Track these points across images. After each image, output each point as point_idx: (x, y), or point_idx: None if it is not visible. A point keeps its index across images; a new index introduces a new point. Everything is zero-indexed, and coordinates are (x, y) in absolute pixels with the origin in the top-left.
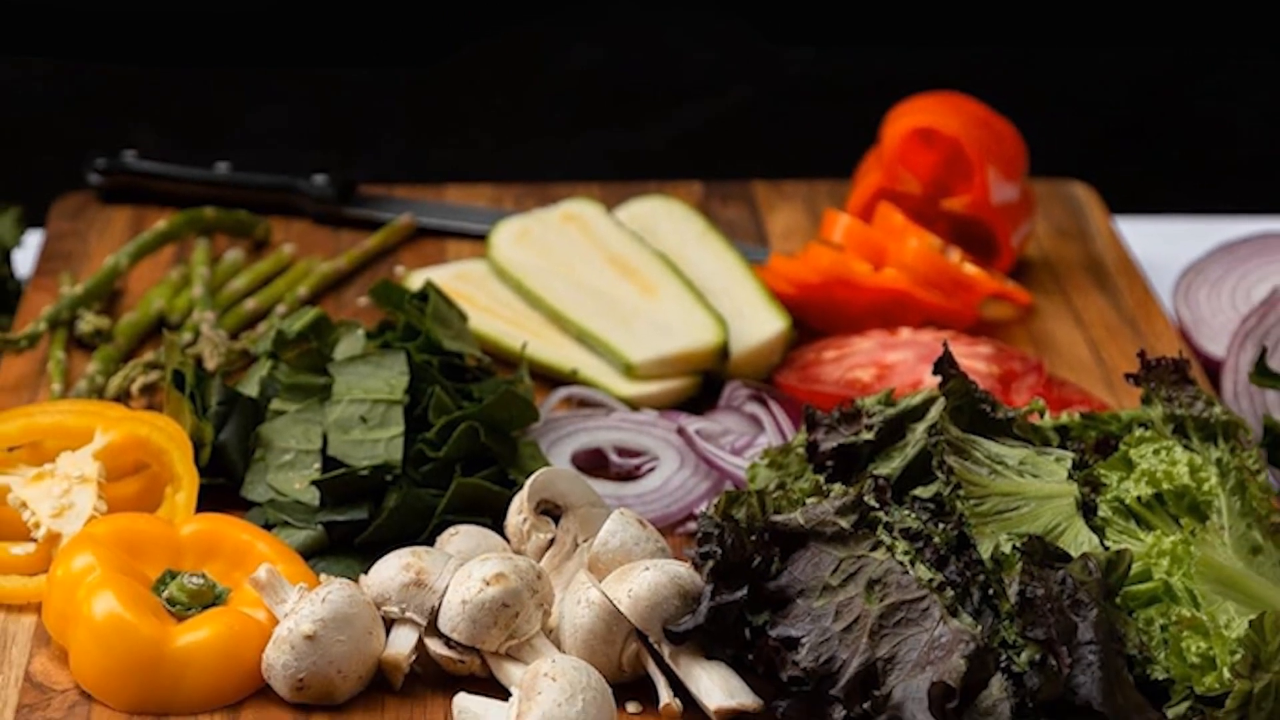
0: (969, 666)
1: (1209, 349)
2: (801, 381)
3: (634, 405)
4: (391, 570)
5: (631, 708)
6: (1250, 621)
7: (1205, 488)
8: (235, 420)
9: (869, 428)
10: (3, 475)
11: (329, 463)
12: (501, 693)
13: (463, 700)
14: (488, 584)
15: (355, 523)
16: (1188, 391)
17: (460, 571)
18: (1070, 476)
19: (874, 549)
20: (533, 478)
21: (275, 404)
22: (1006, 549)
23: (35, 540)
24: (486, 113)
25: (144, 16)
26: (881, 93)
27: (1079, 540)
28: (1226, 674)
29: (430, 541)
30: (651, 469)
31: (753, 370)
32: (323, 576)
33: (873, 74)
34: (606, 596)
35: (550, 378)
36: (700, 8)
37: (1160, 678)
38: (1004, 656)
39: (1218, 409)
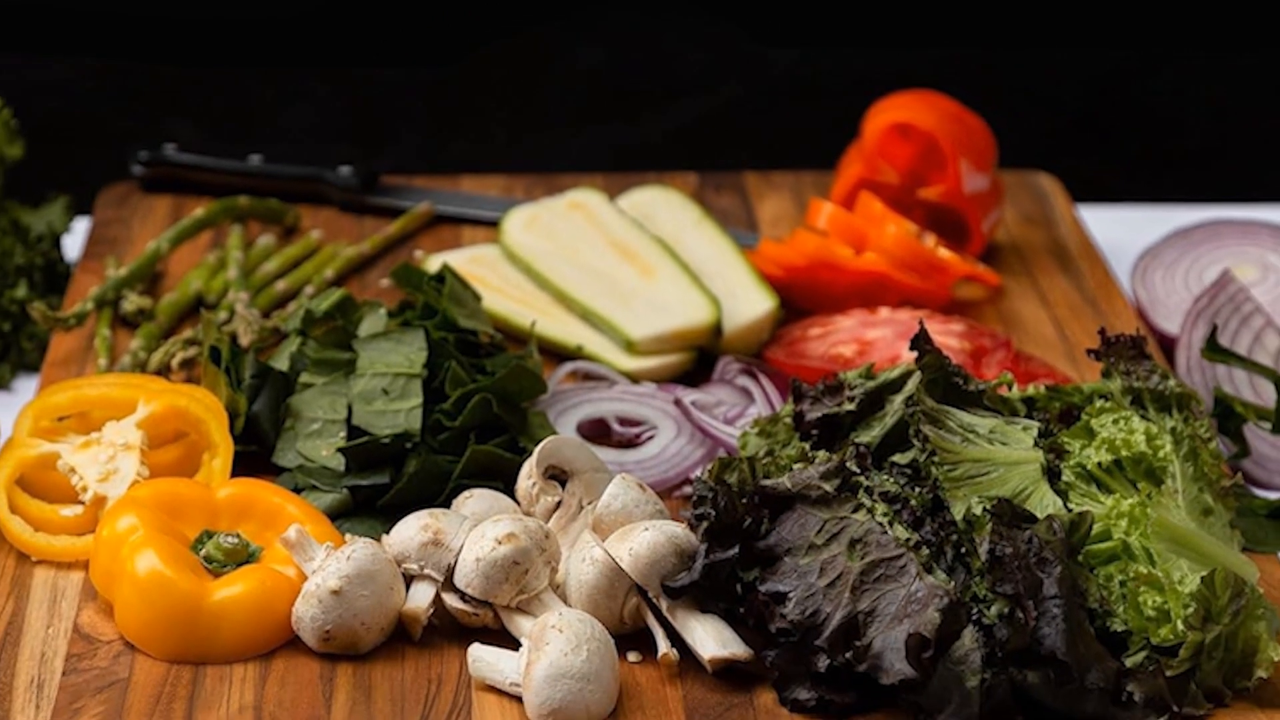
0: (943, 619)
1: (1164, 327)
2: (789, 357)
3: (634, 378)
4: (411, 530)
5: (632, 657)
6: (1202, 578)
7: (1160, 454)
8: (267, 392)
9: (851, 399)
10: (53, 443)
11: (353, 431)
12: (512, 643)
13: (477, 650)
14: (500, 543)
15: (378, 487)
16: (1144, 366)
17: (474, 532)
18: (1036, 444)
19: (855, 511)
20: (541, 445)
21: (304, 377)
22: (978, 511)
23: (83, 503)
24: (499, 109)
25: (184, 21)
26: (862, 90)
27: (1044, 503)
28: (1180, 626)
29: (447, 504)
30: (650, 437)
31: (744, 346)
32: (348, 536)
33: (854, 73)
34: (609, 555)
35: (557, 353)
36: (694, 13)
37: (1119, 629)
38: (975, 610)
39: (1172, 382)
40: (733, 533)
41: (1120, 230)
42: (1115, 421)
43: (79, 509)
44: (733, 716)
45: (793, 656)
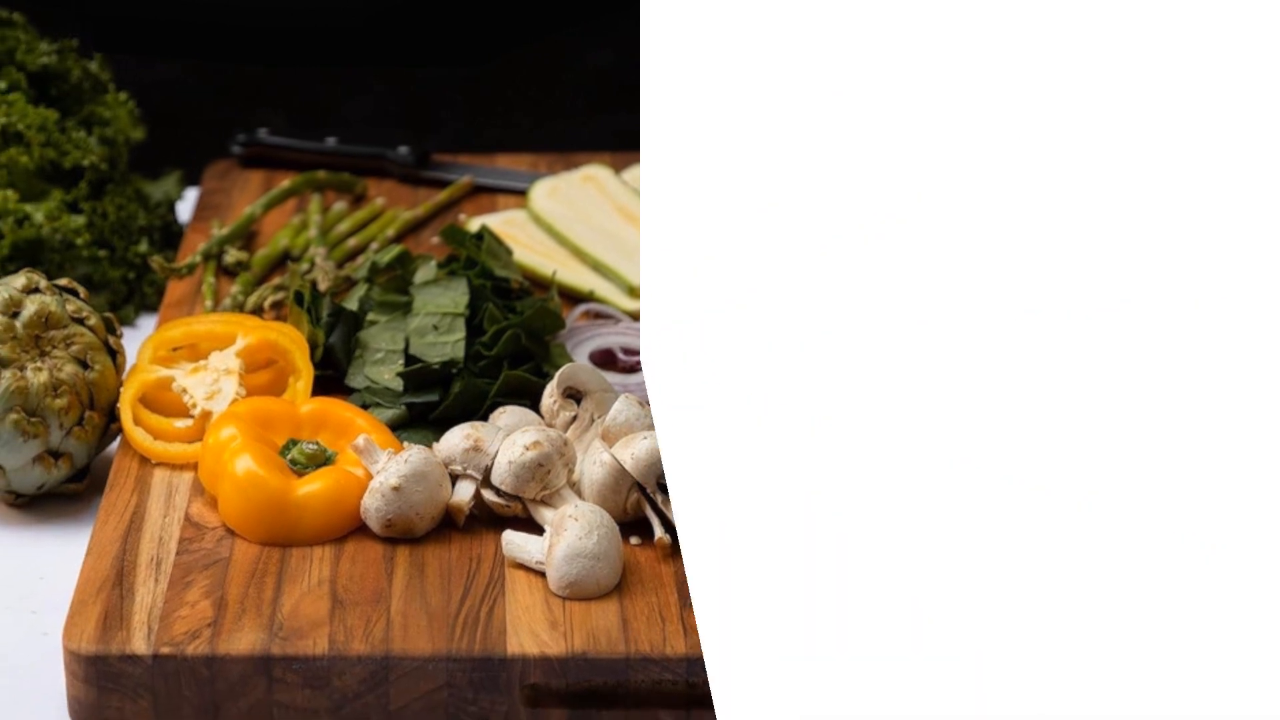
0: None
1: None
2: None
3: (635, 317)
4: (456, 439)
5: (634, 540)
6: None
7: None
8: (341, 328)
9: None
10: (169, 369)
11: (410, 359)
12: (538, 530)
13: (509, 535)
14: (527, 449)
15: (429, 404)
16: None
17: (507, 440)
18: None
19: None
20: (561, 370)
21: (370, 316)
22: None
23: (192, 417)
24: (526, 101)
25: (271, 30)
26: None
27: None
28: None
29: (484, 418)
30: None
31: None
32: (405, 444)
33: None
34: (615, 459)
35: (573, 297)
36: None
37: None
38: None
39: None
40: None
41: None
42: None
43: (189, 421)
44: None
45: None
